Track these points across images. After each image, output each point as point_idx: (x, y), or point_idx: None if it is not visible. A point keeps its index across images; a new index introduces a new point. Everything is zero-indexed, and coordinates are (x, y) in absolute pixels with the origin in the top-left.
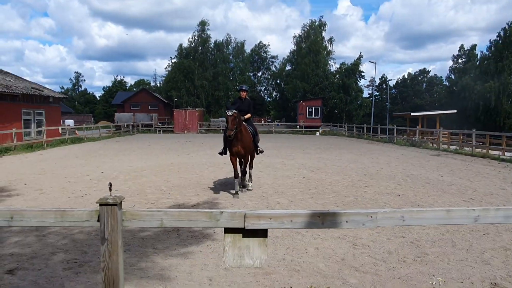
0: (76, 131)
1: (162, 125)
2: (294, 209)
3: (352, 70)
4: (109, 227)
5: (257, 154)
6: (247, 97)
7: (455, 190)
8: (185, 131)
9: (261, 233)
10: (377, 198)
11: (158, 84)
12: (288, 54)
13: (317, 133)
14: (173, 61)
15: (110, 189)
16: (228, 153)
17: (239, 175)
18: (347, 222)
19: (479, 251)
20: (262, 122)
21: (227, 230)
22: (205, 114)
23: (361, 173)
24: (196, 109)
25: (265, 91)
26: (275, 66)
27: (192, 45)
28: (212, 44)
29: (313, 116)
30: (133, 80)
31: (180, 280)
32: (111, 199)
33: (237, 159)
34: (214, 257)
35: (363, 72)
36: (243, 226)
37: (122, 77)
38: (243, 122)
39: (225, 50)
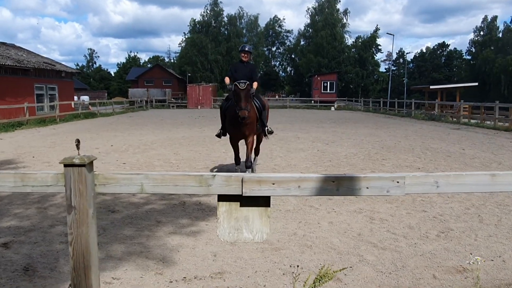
0: (90, 106)
1: (176, 101)
2: (304, 173)
3: (368, 43)
4: (76, 193)
5: (266, 136)
6: (250, 60)
7: (479, 163)
8: (199, 106)
9: (263, 201)
10: (396, 171)
11: (172, 60)
12: (303, 28)
13: (332, 108)
14: (186, 36)
15: (77, 146)
16: (227, 135)
17: (241, 160)
18: (367, 188)
19: (509, 227)
20: (277, 97)
21: (222, 198)
22: (219, 89)
23: (378, 146)
24: (210, 84)
25: (280, 66)
26: (289, 41)
27: (205, 19)
28: (225, 18)
29: (328, 90)
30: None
31: (182, 255)
32: (78, 159)
33: (239, 141)
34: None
35: (380, 46)
36: (240, 193)
37: (135, 53)
38: None
39: (238, 24)
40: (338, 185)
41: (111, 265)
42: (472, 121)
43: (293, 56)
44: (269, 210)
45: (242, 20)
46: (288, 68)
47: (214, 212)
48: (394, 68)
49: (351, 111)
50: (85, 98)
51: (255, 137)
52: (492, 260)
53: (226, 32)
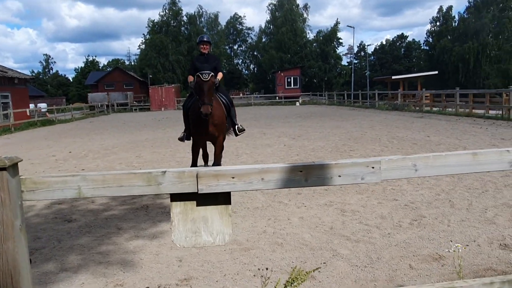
0: (47, 113)
1: (138, 104)
2: (268, 164)
3: (329, 37)
4: None
5: (236, 135)
6: (211, 51)
7: (445, 149)
8: (162, 108)
9: (223, 199)
10: None
11: (133, 63)
12: (264, 25)
13: (297, 103)
14: (146, 38)
15: None
16: (191, 138)
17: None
18: (340, 176)
19: (480, 210)
20: (241, 95)
21: (175, 197)
22: (182, 90)
23: (345, 138)
24: (172, 85)
25: (243, 64)
26: (251, 38)
27: (164, 19)
28: (185, 17)
29: (292, 86)
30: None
31: (145, 263)
32: None
33: (205, 145)
34: None
35: (341, 39)
36: (195, 190)
37: (94, 57)
38: None
39: (198, 23)
40: (306, 175)
41: (66, 279)
42: (434, 108)
43: (255, 53)
44: (230, 208)
45: (202, 19)
46: (251, 65)
47: None
48: (356, 61)
49: (316, 105)
50: (43, 105)
51: (222, 138)
52: (468, 245)
53: (186, 32)
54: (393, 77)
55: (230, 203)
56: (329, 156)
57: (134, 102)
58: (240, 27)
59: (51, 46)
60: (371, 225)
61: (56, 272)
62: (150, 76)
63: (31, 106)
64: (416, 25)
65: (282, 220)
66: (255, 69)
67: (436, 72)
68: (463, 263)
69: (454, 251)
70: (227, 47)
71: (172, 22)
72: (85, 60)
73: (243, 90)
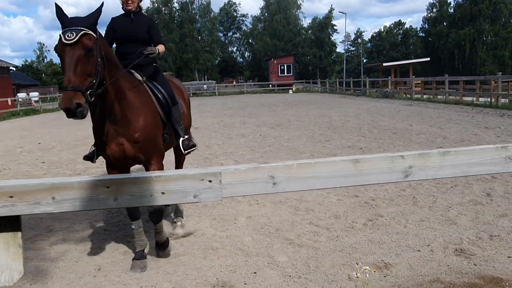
0: (34, 102)
1: None
2: (63, 177)
3: (324, 24)
4: None
5: (182, 153)
6: (140, 10)
7: (424, 139)
8: None
9: (8, 224)
10: (336, 152)
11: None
12: (259, 11)
13: (290, 91)
14: None
15: None
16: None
17: (138, 216)
18: (163, 193)
19: (444, 208)
20: (234, 83)
21: None
22: (176, 78)
23: (325, 127)
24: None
25: (237, 52)
26: (246, 25)
27: (155, 6)
28: (176, 4)
29: (285, 74)
30: None
31: (59, 272)
32: None
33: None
34: (119, 236)
35: (336, 26)
36: None
37: None
38: (136, 74)
39: (190, 9)
40: (116, 193)
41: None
42: (425, 96)
43: (250, 40)
44: (20, 236)
45: (194, 6)
46: (246, 53)
47: (121, 214)
48: (353, 49)
49: (309, 93)
50: (34, 94)
51: (157, 160)
52: (419, 251)
53: (177, 19)
54: (384, 64)
55: (19, 230)
56: (301, 147)
57: None
58: (235, 14)
59: (48, 34)
60: (321, 226)
61: None
62: None
63: (23, 95)
64: (416, 11)
65: (227, 220)
66: (250, 56)
67: (428, 58)
68: (410, 273)
69: (357, 276)
70: (221, 34)
71: (163, 9)
72: None
73: (237, 78)
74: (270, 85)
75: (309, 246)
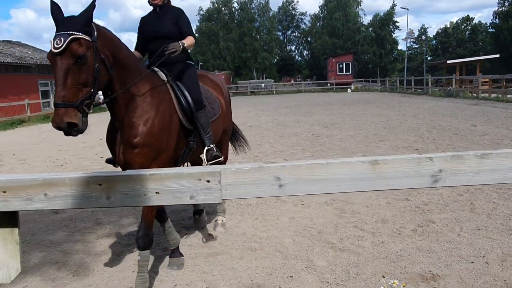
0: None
1: None
2: (56, 173)
3: (385, 21)
4: None
5: (206, 163)
6: (168, 3)
7: (488, 140)
8: None
9: (4, 220)
10: (390, 153)
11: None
12: (318, 9)
13: (349, 90)
14: (197, 25)
15: None
16: None
17: (165, 218)
18: (157, 193)
19: (505, 216)
20: (292, 82)
21: None
22: (234, 77)
23: (380, 127)
24: (222, 72)
25: (296, 51)
26: (304, 24)
27: (215, 6)
28: (236, 4)
29: (344, 72)
30: None
31: (100, 266)
32: None
33: None
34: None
35: (398, 23)
36: None
37: None
38: (160, 73)
39: (249, 8)
40: (108, 190)
41: (13, 281)
42: (493, 95)
43: (308, 39)
44: (18, 232)
45: (253, 5)
46: (305, 51)
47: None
48: (416, 46)
49: (368, 92)
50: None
51: None
52: (473, 263)
53: (237, 18)
54: (449, 62)
55: (17, 226)
56: (353, 147)
57: None
58: (294, 12)
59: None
60: (366, 231)
61: None
62: (201, 63)
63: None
64: (486, 6)
65: (269, 221)
66: (309, 55)
67: (498, 55)
68: (458, 287)
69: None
70: (279, 33)
71: (223, 9)
72: None
73: (295, 77)
74: (328, 84)
75: (351, 251)
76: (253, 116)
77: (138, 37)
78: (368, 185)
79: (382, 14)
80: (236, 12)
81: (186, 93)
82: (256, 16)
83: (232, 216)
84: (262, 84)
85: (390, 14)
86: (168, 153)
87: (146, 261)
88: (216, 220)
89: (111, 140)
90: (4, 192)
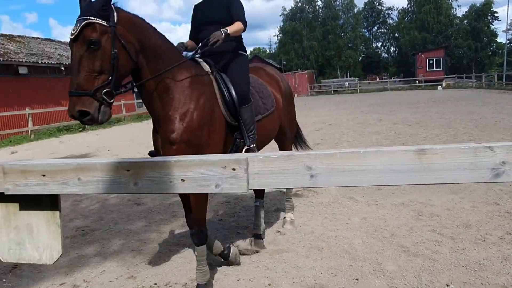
0: None
1: None
2: (89, 159)
3: (482, 12)
4: None
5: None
6: None
7: None
8: (296, 94)
9: (48, 203)
10: None
11: (273, 51)
12: (406, 3)
13: (439, 87)
14: (281, 25)
15: None
16: None
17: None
18: (183, 180)
19: None
20: (377, 79)
21: None
22: (318, 76)
23: (471, 125)
24: (306, 71)
25: (382, 47)
26: (392, 19)
27: (299, 5)
28: (319, 1)
29: (434, 68)
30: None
31: (172, 256)
32: None
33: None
34: (231, 227)
35: (497, 13)
36: (2, 191)
37: None
38: (204, 64)
39: (333, 6)
40: (136, 176)
41: (94, 264)
42: None
43: (396, 35)
44: (59, 215)
45: (337, 2)
46: (392, 48)
47: (238, 207)
48: None
49: (461, 89)
50: None
51: None
52: None
53: (321, 16)
54: None
55: (58, 209)
56: None
57: None
58: (380, 8)
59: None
60: (445, 235)
61: (90, 256)
62: (284, 63)
63: None
64: None
65: (340, 220)
66: (396, 52)
67: None
68: None
69: None
70: (365, 30)
71: (307, 7)
72: None
73: (381, 75)
74: (417, 81)
75: (426, 256)
76: (334, 115)
77: (191, 25)
78: (413, 178)
79: (478, 4)
80: (320, 10)
81: (230, 85)
82: (340, 14)
83: (302, 214)
84: (346, 83)
85: (488, 4)
86: (212, 149)
87: (202, 256)
88: (284, 217)
89: (154, 135)
90: (44, 176)
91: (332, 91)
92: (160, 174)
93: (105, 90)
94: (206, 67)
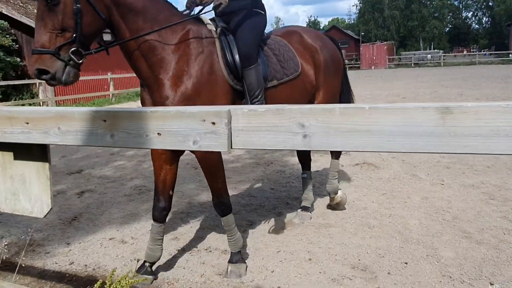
0: None
1: (349, 62)
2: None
3: None
4: None
5: None
6: None
7: None
8: (373, 67)
9: (37, 153)
10: None
11: (352, 21)
12: None
13: None
14: None
15: None
16: None
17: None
18: (159, 134)
19: None
20: (465, 52)
21: None
22: (398, 48)
23: None
24: (385, 42)
25: (473, 18)
26: None
27: None
28: None
29: None
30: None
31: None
32: None
33: (159, 164)
34: (293, 207)
35: None
36: None
37: (315, 17)
38: (209, 24)
39: None
40: (111, 128)
41: (143, 223)
42: None
43: (490, 3)
44: (49, 167)
45: None
46: (484, 18)
47: (290, 190)
48: None
49: None
50: None
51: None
52: None
53: None
54: None
55: (47, 161)
56: None
57: (345, 61)
58: None
59: (285, 9)
60: None
61: (142, 215)
62: (362, 33)
63: None
64: None
65: (398, 198)
66: (489, 22)
67: None
68: None
69: None
70: None
71: None
72: (307, 20)
73: (469, 47)
74: (510, 55)
75: (491, 245)
76: (411, 88)
77: None
78: (433, 144)
79: None
80: None
81: (234, 45)
82: None
83: (357, 189)
84: (429, 55)
85: None
86: None
87: (229, 226)
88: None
89: (143, 100)
90: (27, 123)
91: (412, 64)
92: (137, 126)
93: (72, 49)
94: (211, 26)
